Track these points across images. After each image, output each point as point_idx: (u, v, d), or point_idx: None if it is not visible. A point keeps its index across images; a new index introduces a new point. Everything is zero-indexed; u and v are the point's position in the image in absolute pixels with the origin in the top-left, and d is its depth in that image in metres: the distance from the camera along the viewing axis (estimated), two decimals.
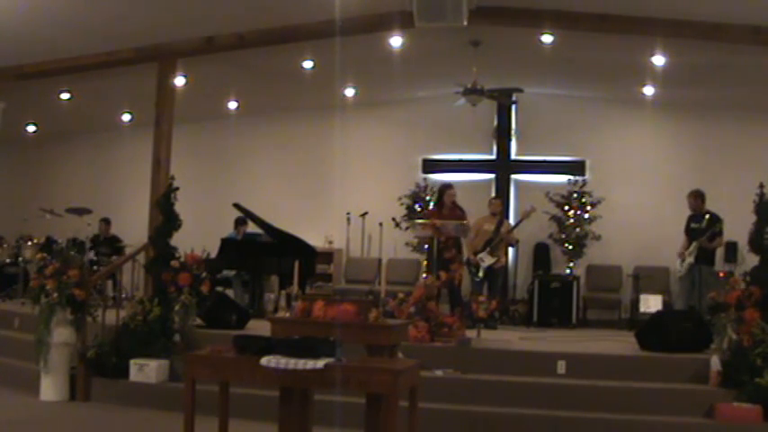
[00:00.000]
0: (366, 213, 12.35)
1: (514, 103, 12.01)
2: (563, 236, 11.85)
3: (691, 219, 9.55)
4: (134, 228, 10.77)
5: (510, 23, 8.71)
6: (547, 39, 9.13)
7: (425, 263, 12.11)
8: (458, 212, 9.27)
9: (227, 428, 5.08)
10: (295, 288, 6.20)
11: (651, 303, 9.85)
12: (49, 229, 11.80)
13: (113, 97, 11.79)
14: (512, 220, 11.48)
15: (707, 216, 9.33)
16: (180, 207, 8.04)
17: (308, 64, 10.28)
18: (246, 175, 13.24)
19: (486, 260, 9.94)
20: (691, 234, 9.43)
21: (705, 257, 9.28)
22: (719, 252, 11.21)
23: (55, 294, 7.17)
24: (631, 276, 11.19)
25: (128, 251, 10.71)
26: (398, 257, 12.26)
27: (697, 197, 9.46)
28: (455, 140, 12.53)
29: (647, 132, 12.15)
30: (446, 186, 9.61)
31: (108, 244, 11.77)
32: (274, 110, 13.05)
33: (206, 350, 5.12)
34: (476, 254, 9.95)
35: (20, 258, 11.39)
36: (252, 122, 13.22)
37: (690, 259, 9.27)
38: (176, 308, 7.54)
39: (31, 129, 13.66)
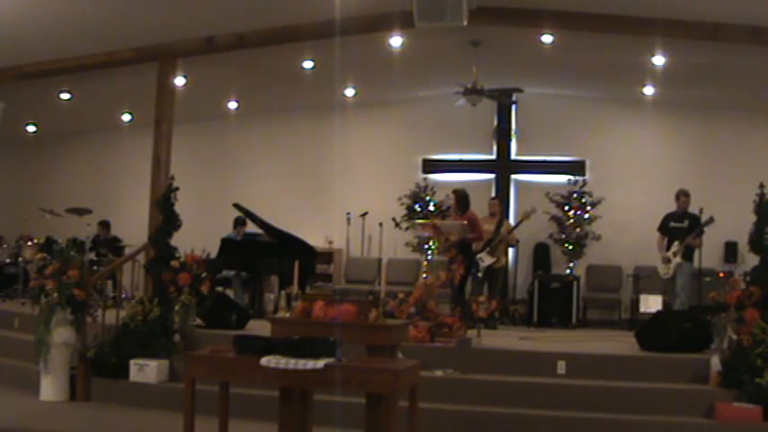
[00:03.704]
0: (366, 213, 12.35)
1: (514, 103, 12.01)
2: (563, 236, 11.86)
3: (670, 218, 9.54)
4: (134, 228, 10.78)
5: (510, 23, 8.72)
6: (547, 39, 9.13)
7: (426, 263, 12.18)
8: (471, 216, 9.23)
9: (227, 428, 5.08)
10: (295, 288, 6.20)
11: (651, 303, 9.84)
12: (49, 229, 11.80)
13: (113, 97, 11.79)
14: (512, 221, 11.49)
15: (688, 216, 9.35)
16: (180, 207, 8.04)
17: (308, 64, 10.29)
18: (246, 175, 13.25)
19: (486, 260, 9.94)
20: (671, 233, 9.43)
21: (687, 255, 9.30)
22: (719, 252, 11.29)
23: (55, 294, 7.16)
24: (631, 276, 11.19)
25: (128, 251, 10.71)
26: (398, 257, 12.25)
27: (688, 195, 9.47)
28: (455, 140, 12.53)
29: (647, 132, 12.16)
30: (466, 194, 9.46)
31: (108, 244, 11.78)
32: (274, 110, 13.06)
33: (206, 350, 5.12)
34: (475, 254, 9.94)
35: (20, 258, 11.39)
36: (252, 122, 13.23)
37: (677, 259, 9.28)
38: (176, 308, 7.54)
39: (31, 129, 13.67)
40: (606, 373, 6.82)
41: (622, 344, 7.97)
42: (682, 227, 9.35)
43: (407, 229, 12.21)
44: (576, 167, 12.12)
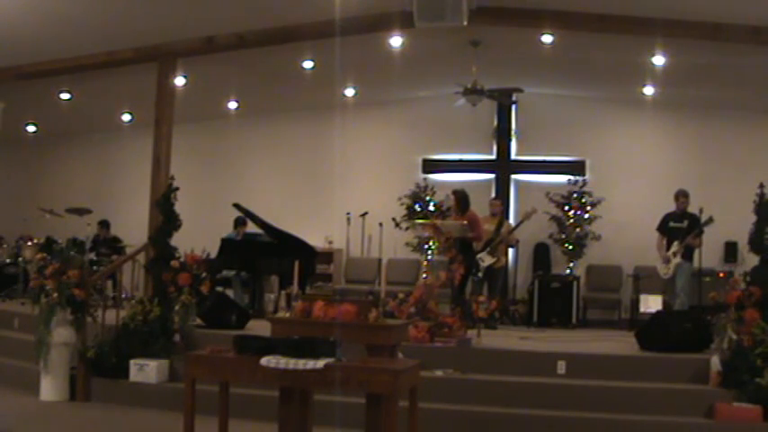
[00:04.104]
0: (366, 213, 12.35)
1: (514, 103, 12.01)
2: (563, 236, 11.86)
3: (670, 218, 9.55)
4: (134, 228, 10.77)
5: (510, 23, 8.71)
6: (547, 39, 9.13)
7: (426, 263, 12.18)
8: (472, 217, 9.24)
9: (227, 428, 5.08)
10: (295, 288, 6.20)
11: (651, 303, 9.85)
12: (49, 229, 11.80)
13: (113, 97, 11.79)
14: (512, 221, 11.49)
15: (687, 215, 9.36)
16: (180, 207, 8.04)
17: (308, 64, 10.29)
18: (246, 175, 13.25)
19: (486, 260, 9.94)
20: (671, 233, 9.44)
21: (687, 255, 9.32)
22: (719, 252, 11.29)
23: (55, 294, 7.16)
24: (631, 276, 11.18)
25: (128, 251, 10.71)
26: (398, 257, 12.26)
27: (687, 196, 9.49)
28: (455, 140, 12.53)
29: (647, 132, 12.15)
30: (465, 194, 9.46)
31: (108, 244, 11.78)
32: (274, 110, 13.06)
33: (206, 350, 5.12)
34: (476, 254, 9.93)
35: (20, 258, 11.40)
36: (252, 122, 13.22)
37: (677, 259, 9.29)
38: (176, 308, 7.54)
39: (31, 129, 13.66)
40: (606, 373, 6.82)
41: (622, 344, 7.97)
42: (681, 227, 9.35)
43: (407, 229, 12.21)
44: (576, 167, 12.12)
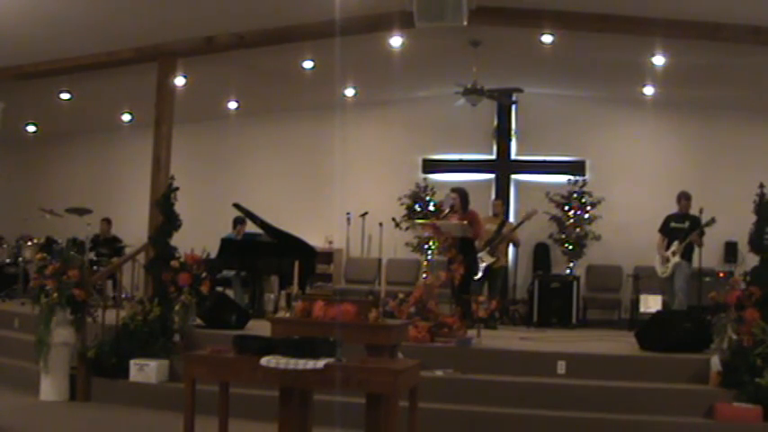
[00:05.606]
0: (366, 213, 12.35)
1: (514, 103, 12.01)
2: (563, 236, 11.85)
3: (671, 218, 9.58)
4: (134, 228, 10.78)
5: (510, 23, 8.72)
6: (547, 39, 9.14)
7: (426, 263, 12.17)
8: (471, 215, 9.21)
9: (227, 428, 5.08)
10: (295, 288, 6.20)
11: (651, 303, 9.85)
12: (49, 229, 11.80)
13: (113, 97, 11.80)
14: (512, 221, 11.49)
15: (689, 217, 9.37)
16: (180, 207, 8.04)
17: (308, 64, 10.29)
18: (246, 175, 13.25)
19: (486, 260, 9.94)
20: (671, 233, 9.47)
21: (686, 254, 9.35)
22: (719, 252, 11.30)
23: (55, 294, 7.16)
24: (631, 276, 11.18)
25: (128, 251, 10.71)
26: (398, 257, 12.25)
27: (689, 198, 9.51)
28: (455, 140, 12.53)
29: (647, 132, 12.16)
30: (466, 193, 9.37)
31: (108, 244, 11.78)
32: (274, 110, 13.06)
33: (206, 350, 5.12)
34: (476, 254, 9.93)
35: (20, 258, 11.40)
36: (252, 122, 13.23)
37: (676, 258, 9.31)
38: (176, 308, 7.54)
39: (31, 129, 13.68)
40: (606, 373, 6.81)
41: (622, 344, 7.97)
42: (683, 227, 9.38)
43: (407, 229, 12.21)
44: (576, 167, 12.12)
